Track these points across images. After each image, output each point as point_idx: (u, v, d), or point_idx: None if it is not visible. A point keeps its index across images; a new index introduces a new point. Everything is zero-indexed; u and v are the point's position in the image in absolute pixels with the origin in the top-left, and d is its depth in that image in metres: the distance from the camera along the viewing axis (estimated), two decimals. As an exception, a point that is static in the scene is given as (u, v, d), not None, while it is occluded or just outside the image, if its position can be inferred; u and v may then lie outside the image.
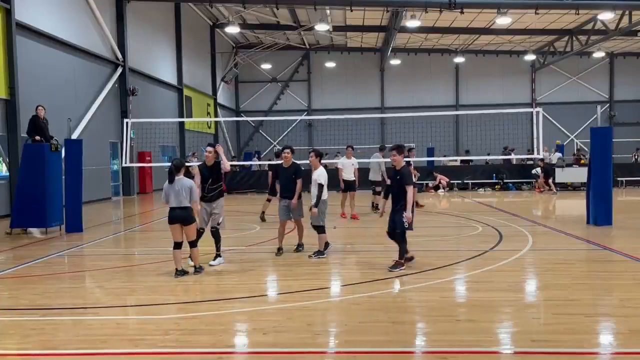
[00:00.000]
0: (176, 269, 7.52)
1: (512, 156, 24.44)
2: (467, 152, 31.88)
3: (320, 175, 8.75)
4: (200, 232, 8.28)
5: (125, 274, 7.99)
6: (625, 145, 30.92)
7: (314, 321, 5.55)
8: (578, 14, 26.54)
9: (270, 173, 14.00)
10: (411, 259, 7.96)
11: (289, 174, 9.03)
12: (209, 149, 8.48)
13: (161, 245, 10.05)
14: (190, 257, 7.86)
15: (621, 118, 37.58)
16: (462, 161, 26.48)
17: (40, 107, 12.81)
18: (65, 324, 5.62)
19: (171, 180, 7.47)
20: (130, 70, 23.39)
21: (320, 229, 8.83)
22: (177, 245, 7.57)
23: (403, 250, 7.76)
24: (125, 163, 15.35)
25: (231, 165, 25.53)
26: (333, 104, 39.30)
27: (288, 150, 9.26)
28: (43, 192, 11.91)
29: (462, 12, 23.69)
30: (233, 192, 24.22)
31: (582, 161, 22.93)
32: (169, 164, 7.83)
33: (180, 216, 7.46)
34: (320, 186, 8.69)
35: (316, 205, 8.65)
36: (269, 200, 14.11)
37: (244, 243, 10.59)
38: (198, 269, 7.73)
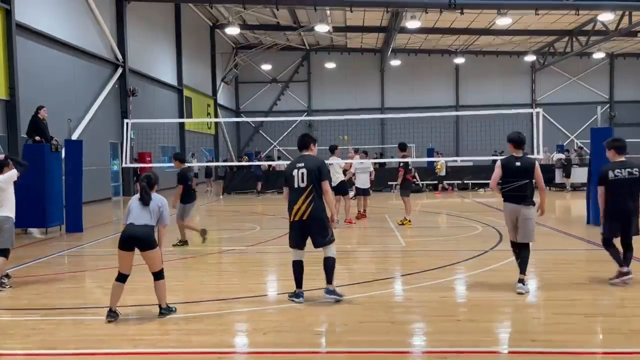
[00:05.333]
0: (110, 309, 5.56)
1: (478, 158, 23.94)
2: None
3: None
4: None
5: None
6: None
7: (314, 321, 5.54)
8: (578, 14, 26.58)
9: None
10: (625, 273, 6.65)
11: None
12: None
13: (167, 245, 10.02)
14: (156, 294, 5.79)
15: (621, 118, 37.59)
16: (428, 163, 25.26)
17: (44, 109, 12.73)
18: (65, 324, 5.62)
19: (146, 200, 5.65)
20: (130, 71, 23.40)
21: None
22: (123, 278, 5.67)
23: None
24: (126, 163, 15.35)
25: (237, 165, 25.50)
26: (333, 104, 39.32)
27: None
28: (43, 192, 11.89)
29: (462, 13, 23.73)
30: (232, 192, 24.25)
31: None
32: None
33: (139, 235, 5.51)
34: None
35: None
36: None
37: (244, 243, 10.59)
38: (165, 310, 5.72)
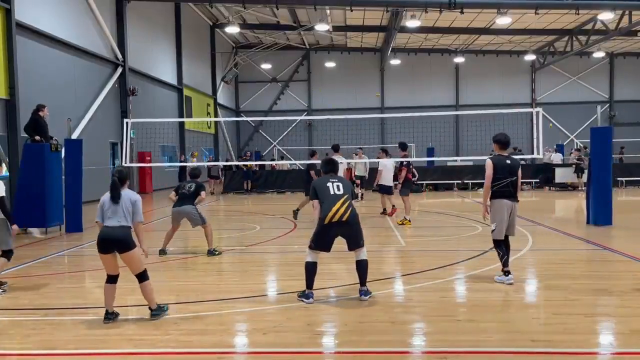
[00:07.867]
0: (106, 310, 5.50)
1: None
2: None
3: None
4: None
5: (125, 274, 7.96)
6: (625, 145, 30.90)
7: (314, 321, 5.54)
8: (578, 14, 26.55)
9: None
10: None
11: None
12: None
13: (160, 245, 10.03)
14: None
15: (621, 118, 37.57)
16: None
17: (46, 108, 12.69)
18: (65, 324, 5.62)
19: (115, 197, 5.49)
20: (130, 70, 23.39)
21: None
22: (112, 279, 5.56)
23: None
24: (125, 163, 15.34)
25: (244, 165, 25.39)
26: (333, 104, 39.27)
27: None
28: (43, 192, 11.89)
29: (462, 12, 23.68)
30: (231, 192, 24.26)
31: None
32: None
33: (115, 237, 5.38)
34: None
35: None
36: None
37: (244, 243, 10.59)
38: (156, 312, 5.61)
